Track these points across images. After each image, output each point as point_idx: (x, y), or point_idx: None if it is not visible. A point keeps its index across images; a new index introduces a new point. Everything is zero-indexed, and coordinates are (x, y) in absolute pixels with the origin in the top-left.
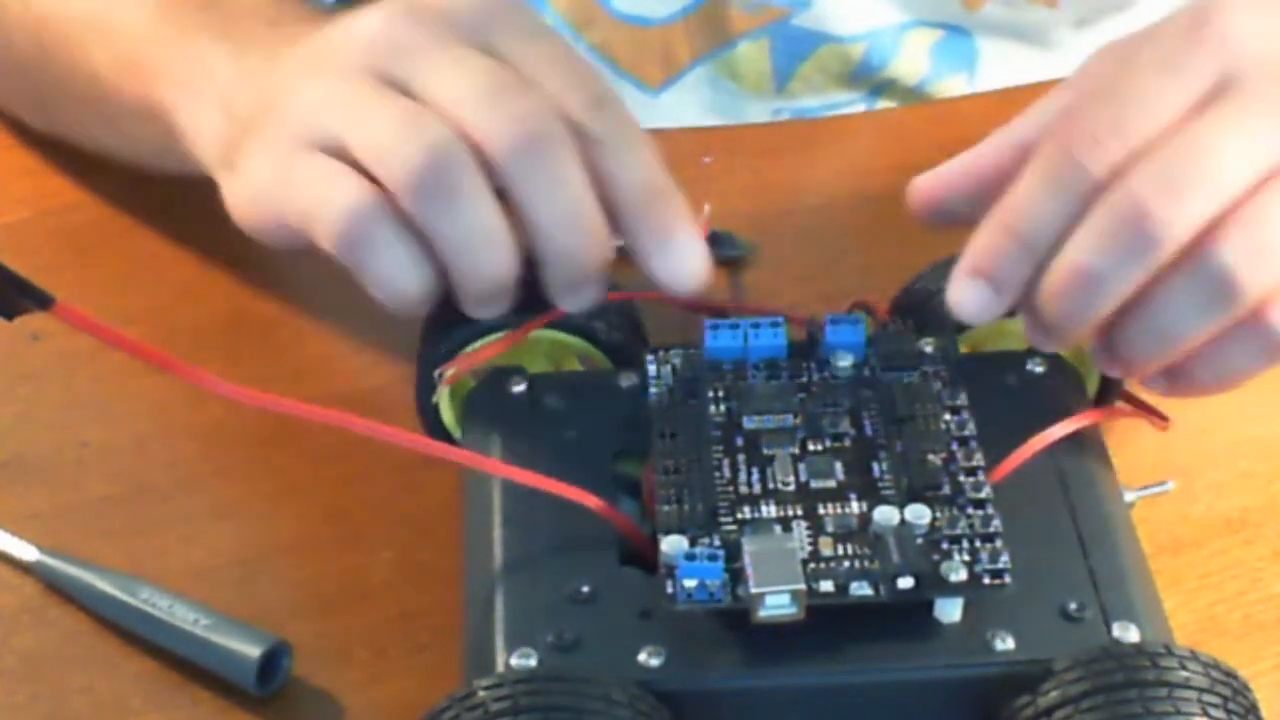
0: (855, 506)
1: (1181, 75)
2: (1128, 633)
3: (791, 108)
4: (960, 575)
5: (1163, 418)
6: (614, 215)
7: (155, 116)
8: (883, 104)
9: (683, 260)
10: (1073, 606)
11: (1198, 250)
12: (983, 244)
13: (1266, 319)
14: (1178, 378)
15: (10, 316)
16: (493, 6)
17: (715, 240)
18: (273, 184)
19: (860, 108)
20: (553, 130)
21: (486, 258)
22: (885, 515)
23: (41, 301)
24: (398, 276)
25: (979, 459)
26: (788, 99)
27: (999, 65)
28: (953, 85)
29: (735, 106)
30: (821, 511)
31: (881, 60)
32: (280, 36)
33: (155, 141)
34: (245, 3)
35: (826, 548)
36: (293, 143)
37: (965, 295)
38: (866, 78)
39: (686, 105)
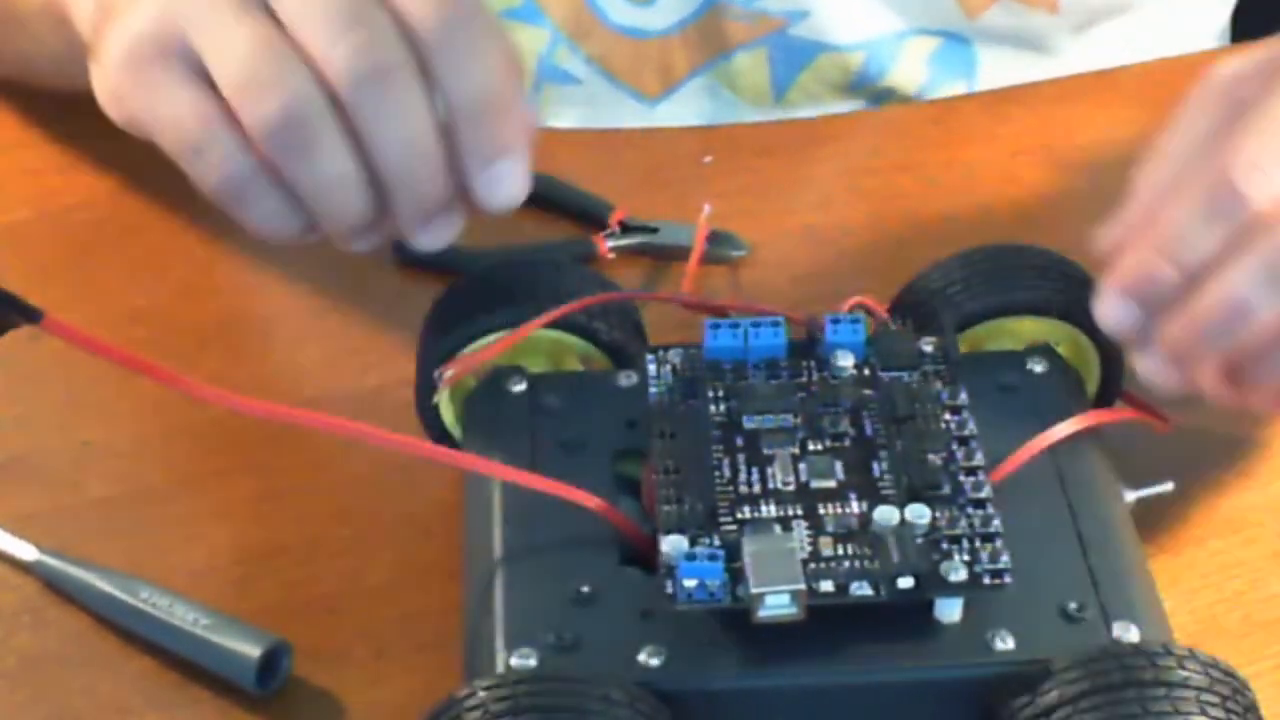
0: (855, 506)
1: None
2: (1127, 633)
3: (791, 118)
4: (960, 575)
5: (1163, 418)
6: (450, 127)
7: (51, 10)
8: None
9: (496, 187)
10: (1072, 606)
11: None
12: (1135, 263)
13: None
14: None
15: (0, 332)
16: None
17: (715, 239)
18: (132, 91)
19: None
20: (394, 59)
21: (342, 200)
22: (885, 515)
23: (30, 316)
24: (273, 222)
25: (979, 459)
26: (786, 109)
27: (998, 72)
28: (952, 92)
29: (733, 117)
30: (821, 511)
31: (880, 69)
32: None
33: (59, 42)
34: None
35: (826, 547)
36: (150, 47)
37: (1114, 313)
38: (865, 87)
39: (684, 116)
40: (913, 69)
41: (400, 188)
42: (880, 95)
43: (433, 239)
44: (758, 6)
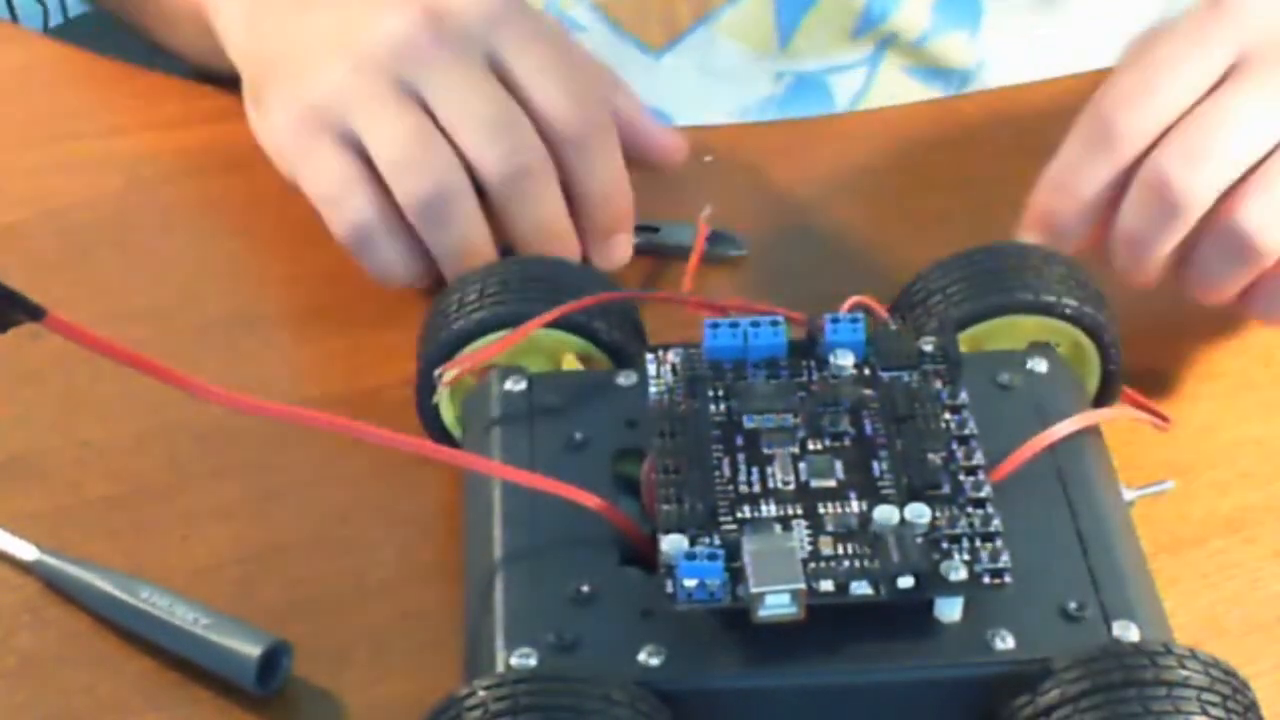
0: (855, 506)
1: (1203, 46)
2: (1127, 632)
3: (795, 70)
4: (960, 575)
5: (1163, 418)
6: (577, 209)
7: (201, 18)
8: (885, 65)
9: (613, 253)
10: (1072, 606)
11: (1224, 214)
12: (1038, 200)
13: None
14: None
15: (2, 329)
16: (497, 16)
17: (715, 239)
18: (293, 152)
19: (863, 71)
20: (535, 162)
21: (469, 264)
22: (885, 514)
23: (33, 313)
24: (393, 270)
25: (979, 458)
26: (791, 59)
27: (1003, 21)
28: (954, 41)
29: (739, 69)
30: (821, 511)
31: (883, 11)
32: None
33: (207, 44)
34: None
35: (826, 547)
36: (315, 121)
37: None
38: (870, 30)
39: (688, 68)
40: (917, 13)
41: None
42: (885, 42)
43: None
44: None
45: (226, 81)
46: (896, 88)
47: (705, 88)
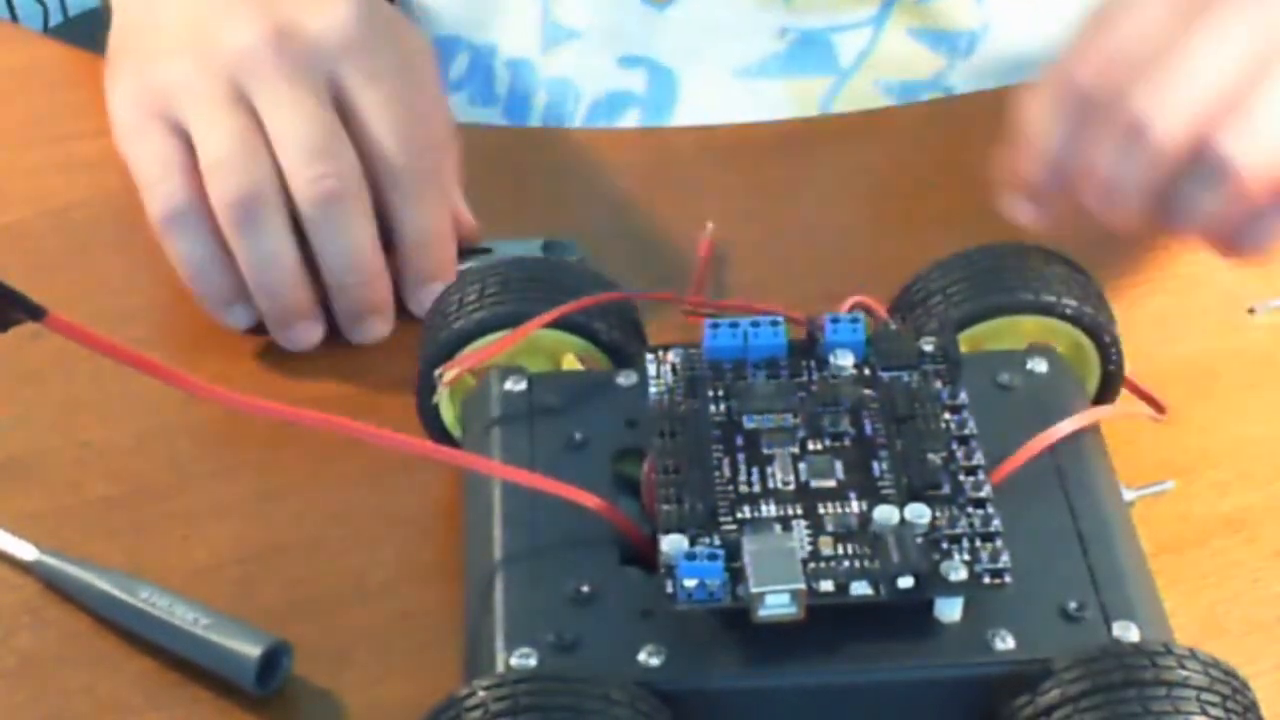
0: (855, 506)
1: (1234, 50)
2: (1127, 632)
3: (799, 27)
4: (960, 575)
5: (1160, 408)
6: (396, 250)
7: None
8: (891, 25)
9: (429, 297)
10: (1072, 606)
11: (1199, 144)
12: (1010, 163)
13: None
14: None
15: (3, 328)
16: (349, 45)
17: (550, 247)
18: (126, 128)
19: (868, 30)
20: (348, 193)
21: (274, 278)
22: (885, 515)
23: (33, 313)
24: (198, 269)
25: (979, 458)
26: (795, 15)
27: None
28: (960, 3)
29: (743, 24)
30: (821, 511)
31: None
32: None
33: None
34: None
35: (826, 547)
36: (151, 104)
37: (1013, 212)
38: None
39: (692, 22)
40: None
41: (337, 289)
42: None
43: (363, 335)
44: None
45: None
46: (901, 47)
47: (708, 43)
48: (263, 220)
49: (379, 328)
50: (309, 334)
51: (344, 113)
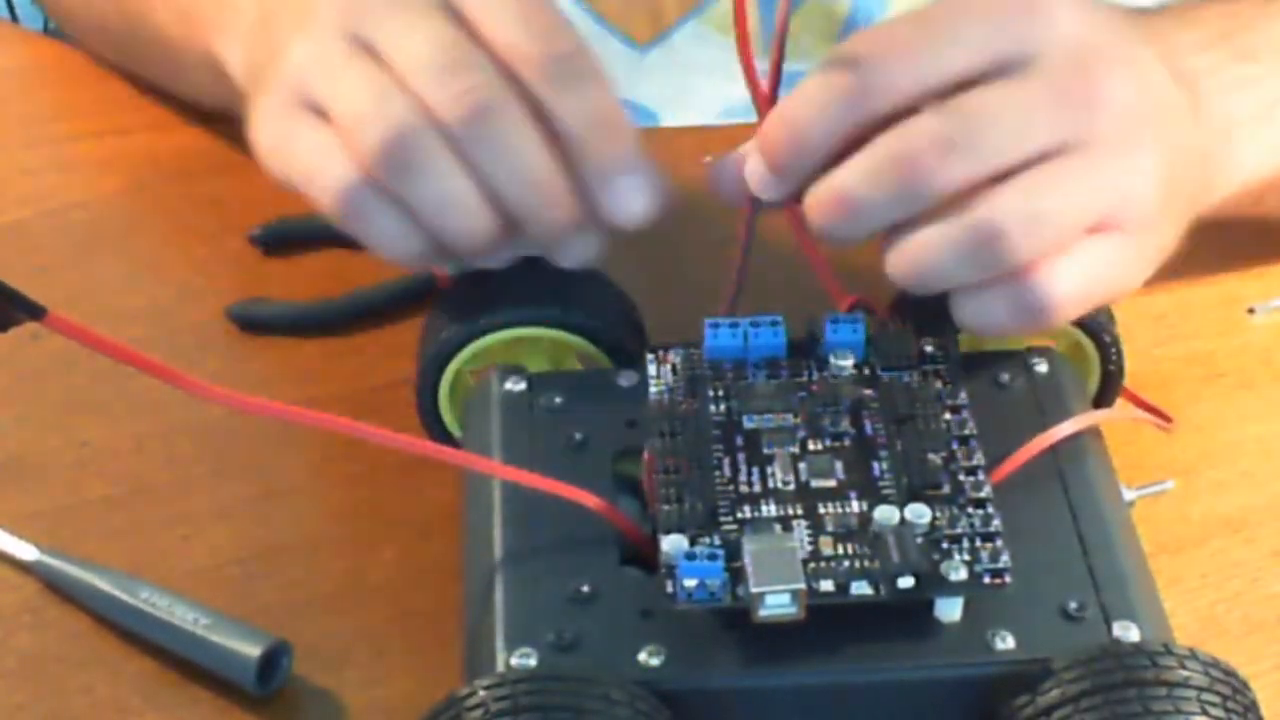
0: (855, 506)
1: (988, 32)
2: (1128, 632)
3: (784, 71)
4: (960, 575)
5: (1166, 418)
6: (565, 155)
7: (213, 65)
8: None
9: (621, 203)
10: (1073, 606)
11: (969, 203)
12: (767, 131)
13: (1028, 281)
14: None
15: (4, 328)
16: None
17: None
18: (277, 143)
19: None
20: (497, 101)
21: (457, 220)
22: (885, 515)
23: (33, 312)
24: (391, 240)
25: (979, 458)
26: None
27: None
28: None
29: (725, 66)
30: (821, 511)
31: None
32: None
33: (223, 89)
34: None
35: (826, 547)
36: (287, 104)
37: (749, 169)
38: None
39: (675, 65)
40: None
41: (525, 215)
42: None
43: (572, 258)
44: None
45: None
46: None
47: (690, 85)
48: (422, 160)
49: (588, 246)
50: (503, 260)
51: (466, 25)
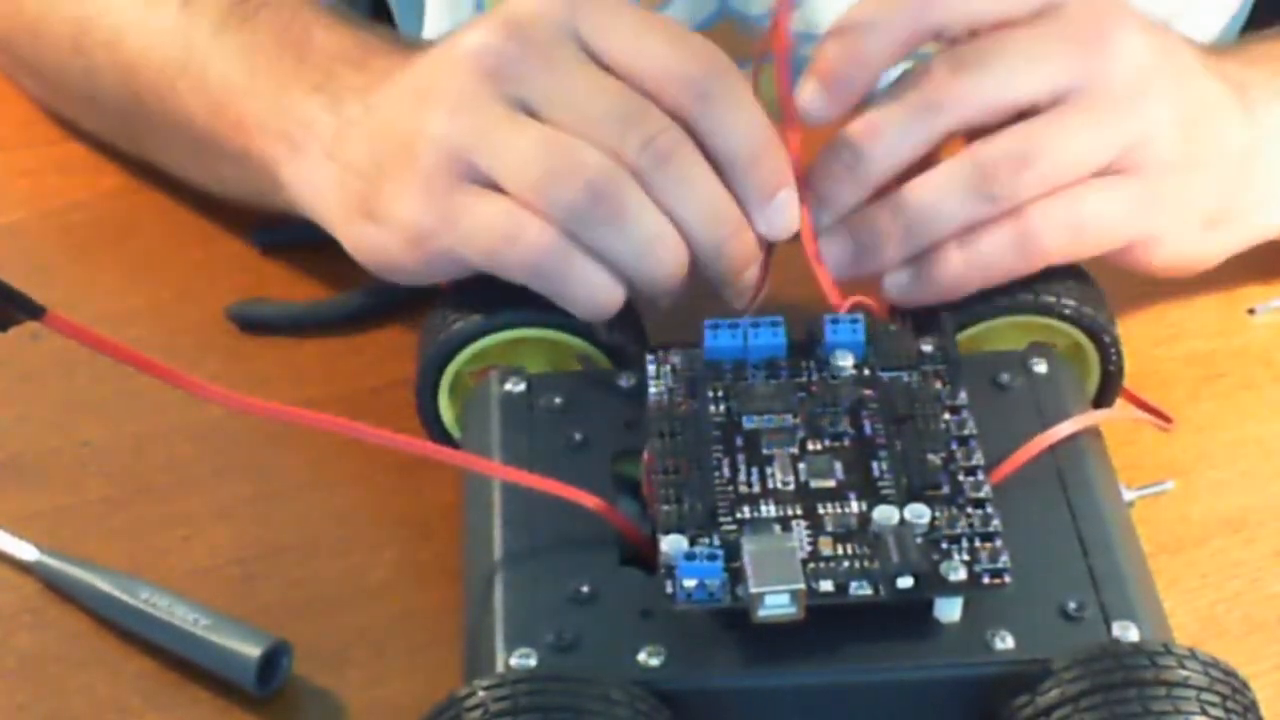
0: (855, 506)
1: (1049, 68)
2: (1127, 632)
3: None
4: (960, 575)
5: (1166, 418)
6: (726, 177)
7: (256, 167)
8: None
9: (779, 218)
10: (1072, 606)
11: (1020, 212)
12: (825, 43)
13: (1024, 217)
14: (927, 268)
15: (3, 328)
16: (564, 2)
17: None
18: (436, 224)
19: None
20: (678, 140)
21: (661, 259)
22: (885, 515)
23: (33, 311)
24: (594, 291)
25: (979, 459)
26: None
27: None
28: None
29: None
30: (821, 511)
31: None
32: (371, 78)
33: (253, 187)
34: (329, 47)
35: (826, 547)
36: (443, 180)
37: (802, 92)
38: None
39: None
40: None
41: (711, 251)
42: None
43: (744, 296)
44: (769, 23)
45: None
46: None
47: None
48: (619, 204)
49: (753, 283)
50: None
51: (608, 66)
